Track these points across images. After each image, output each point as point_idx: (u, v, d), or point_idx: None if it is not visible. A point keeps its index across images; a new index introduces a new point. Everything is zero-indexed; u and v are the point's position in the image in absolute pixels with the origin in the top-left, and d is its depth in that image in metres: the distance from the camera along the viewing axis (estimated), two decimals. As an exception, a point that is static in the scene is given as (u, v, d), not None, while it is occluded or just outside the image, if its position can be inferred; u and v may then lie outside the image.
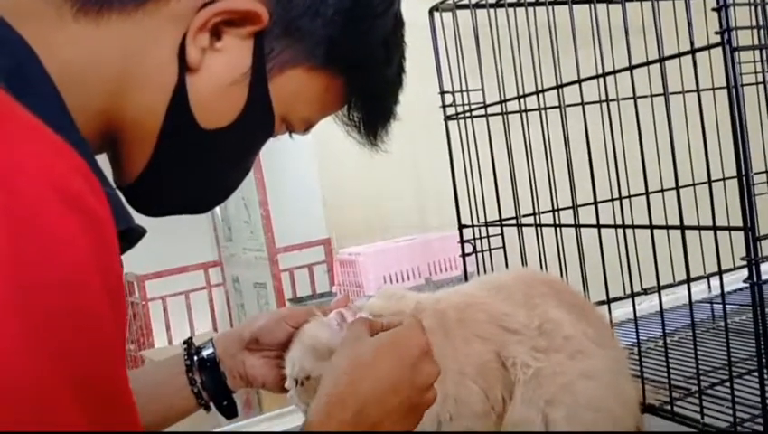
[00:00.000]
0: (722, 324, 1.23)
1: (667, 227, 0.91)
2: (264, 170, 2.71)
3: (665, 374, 0.96)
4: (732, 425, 0.85)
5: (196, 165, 0.58)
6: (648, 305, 1.36)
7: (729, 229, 0.78)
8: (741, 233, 0.76)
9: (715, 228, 0.81)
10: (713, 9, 0.73)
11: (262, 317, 0.84)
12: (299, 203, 4.12)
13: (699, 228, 0.85)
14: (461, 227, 1.27)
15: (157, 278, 3.86)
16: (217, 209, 3.53)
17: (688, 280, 0.90)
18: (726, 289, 0.90)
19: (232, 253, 3.26)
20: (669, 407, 0.93)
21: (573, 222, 1.06)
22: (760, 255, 0.75)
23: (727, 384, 0.88)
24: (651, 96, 1.09)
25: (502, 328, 0.85)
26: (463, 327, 0.85)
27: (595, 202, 1.04)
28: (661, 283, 0.97)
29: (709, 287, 1.37)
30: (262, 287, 2.97)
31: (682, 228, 0.86)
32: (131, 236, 0.49)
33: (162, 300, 3.96)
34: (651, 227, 0.91)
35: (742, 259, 0.75)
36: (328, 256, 4.00)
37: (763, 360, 0.77)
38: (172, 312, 3.97)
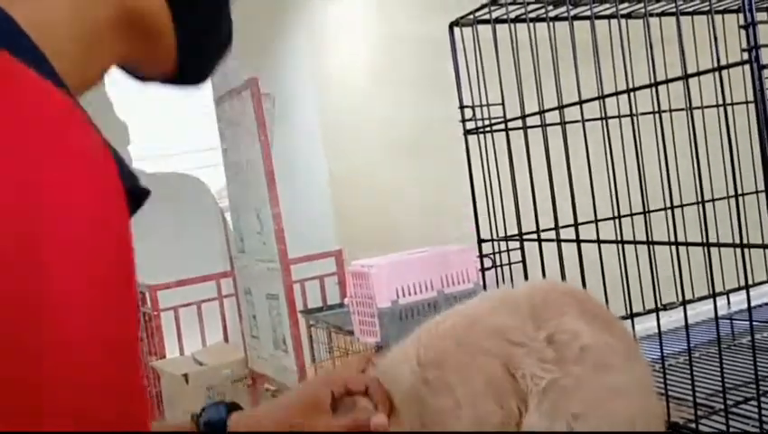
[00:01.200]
0: (743, 340, 1.23)
1: (692, 244, 0.90)
2: (276, 181, 2.72)
3: (688, 391, 0.95)
4: (758, 443, 0.85)
5: (211, 8, 0.58)
6: (666, 321, 1.35)
7: (758, 247, 0.78)
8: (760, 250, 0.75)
9: (742, 245, 0.80)
10: (741, 26, 0.73)
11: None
12: (311, 215, 4.12)
13: (724, 245, 0.85)
14: (480, 241, 1.27)
15: (169, 288, 3.88)
16: (229, 220, 3.53)
17: (714, 295, 0.89)
18: (745, 306, 0.89)
19: (244, 264, 3.25)
20: (693, 425, 0.92)
21: (594, 237, 1.06)
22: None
23: (752, 402, 0.87)
24: (671, 111, 1.09)
25: (507, 341, 0.85)
26: (464, 349, 0.85)
27: (616, 217, 1.03)
28: (680, 299, 0.96)
29: (728, 302, 1.36)
30: (274, 298, 2.97)
31: (708, 244, 0.85)
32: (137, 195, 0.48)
33: (174, 311, 3.97)
34: (677, 243, 0.91)
35: (771, 278, 0.75)
36: (339, 268, 4.01)
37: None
38: (183, 322, 3.98)
